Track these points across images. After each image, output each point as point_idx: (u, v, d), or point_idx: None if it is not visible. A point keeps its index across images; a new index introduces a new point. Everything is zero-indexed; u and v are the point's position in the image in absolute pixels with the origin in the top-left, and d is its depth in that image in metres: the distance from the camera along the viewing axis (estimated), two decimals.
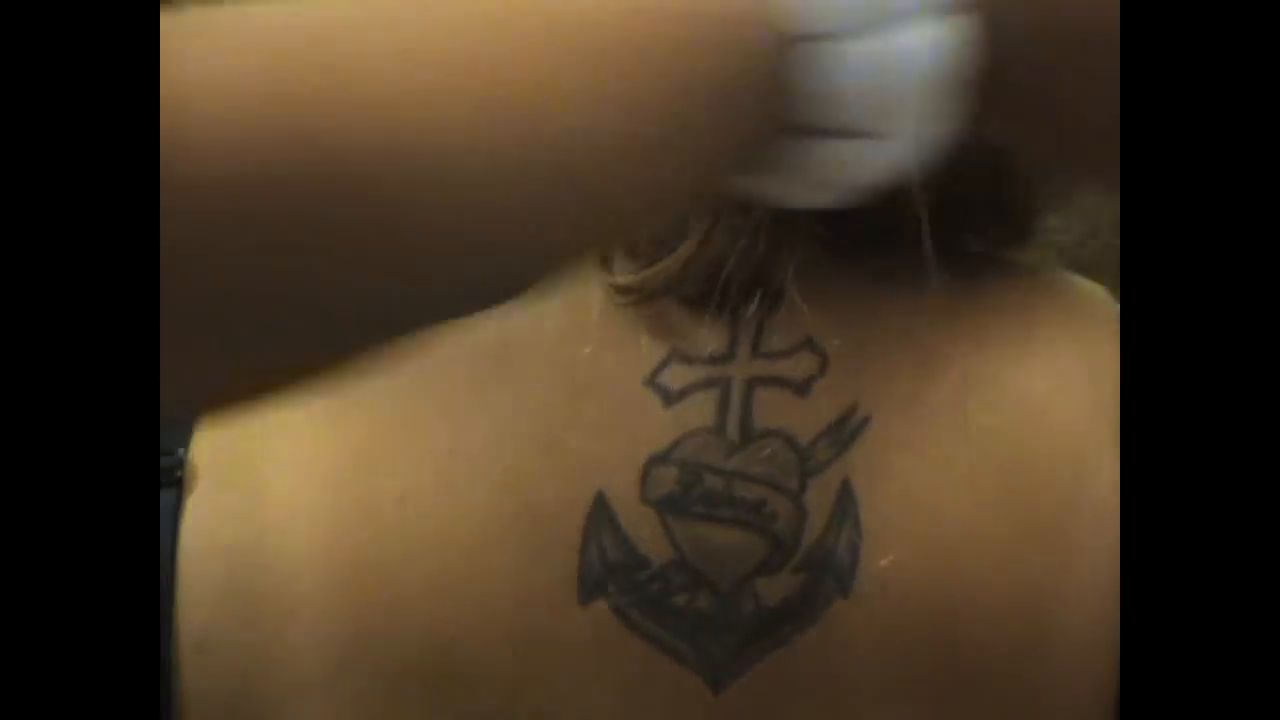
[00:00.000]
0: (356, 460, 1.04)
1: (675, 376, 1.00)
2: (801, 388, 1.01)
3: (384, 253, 0.74)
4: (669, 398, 1.01)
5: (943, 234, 1.01)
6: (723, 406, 1.03)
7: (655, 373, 1.00)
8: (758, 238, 0.99)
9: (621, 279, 1.00)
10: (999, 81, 0.91)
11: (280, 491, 1.05)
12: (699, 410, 1.01)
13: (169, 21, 0.75)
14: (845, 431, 1.03)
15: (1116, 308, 1.10)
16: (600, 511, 1.03)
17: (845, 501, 1.01)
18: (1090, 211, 1.36)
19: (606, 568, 1.01)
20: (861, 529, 0.99)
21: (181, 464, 1.05)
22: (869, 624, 0.99)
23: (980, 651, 0.99)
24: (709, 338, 1.01)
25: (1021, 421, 1.04)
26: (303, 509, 1.04)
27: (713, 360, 1.02)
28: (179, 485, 1.04)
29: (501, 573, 1.01)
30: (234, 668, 1.03)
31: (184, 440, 1.04)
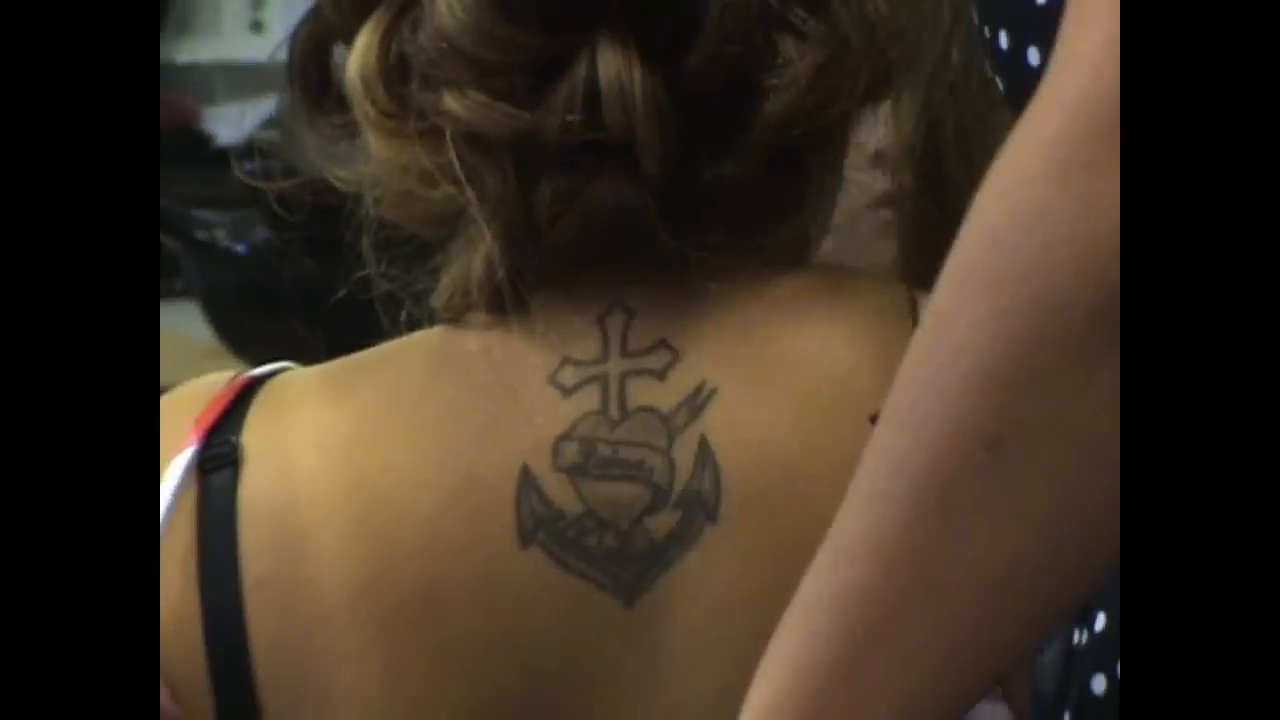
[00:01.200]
0: (353, 442, 1.27)
1: (567, 376, 1.23)
2: (660, 375, 1.22)
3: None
4: (565, 391, 1.22)
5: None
6: (604, 394, 1.24)
7: (554, 374, 1.22)
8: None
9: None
10: None
11: (304, 467, 1.26)
12: (588, 399, 1.23)
13: None
14: (698, 402, 1.22)
15: (907, 296, 1.31)
16: (526, 479, 1.22)
17: (704, 453, 1.21)
18: None
19: (536, 521, 1.21)
20: (720, 472, 1.20)
21: (236, 448, 1.27)
22: (734, 544, 1.21)
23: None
24: (589, 347, 1.23)
25: (832, 386, 1.24)
26: (321, 480, 1.26)
27: (594, 362, 1.24)
28: (235, 464, 1.26)
29: (461, 527, 1.23)
30: (280, 600, 1.24)
31: (237, 430, 1.27)
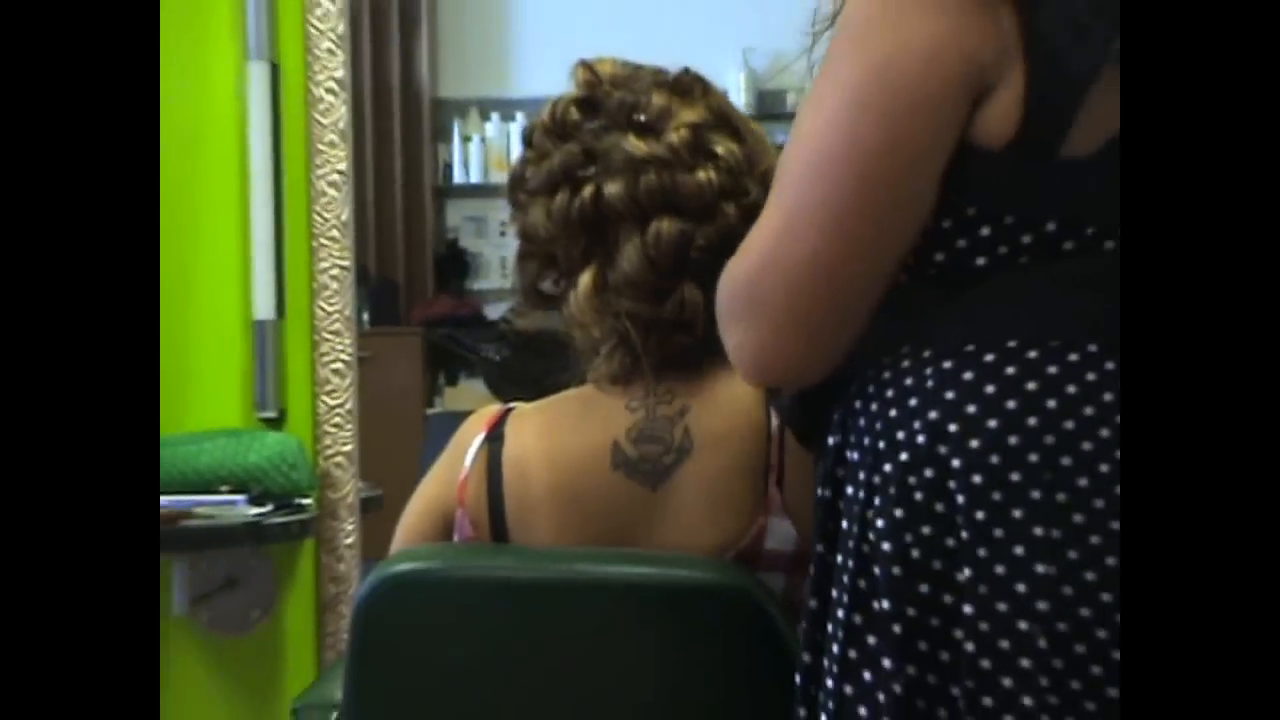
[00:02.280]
0: (545, 431, 1.94)
1: (633, 405, 1.90)
2: (669, 402, 1.90)
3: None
4: (632, 411, 1.90)
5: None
6: (647, 413, 1.90)
7: (626, 404, 1.90)
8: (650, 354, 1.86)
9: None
10: None
11: (526, 441, 1.94)
12: (639, 415, 1.90)
13: None
14: (683, 413, 1.89)
15: None
16: (616, 445, 1.89)
17: (685, 433, 1.89)
18: None
19: (617, 461, 1.88)
20: (691, 440, 1.87)
21: (502, 434, 1.94)
22: (697, 465, 1.86)
23: (737, 481, 1.86)
24: (640, 396, 1.90)
25: (736, 405, 1.91)
26: (532, 447, 1.93)
27: (641, 404, 1.90)
28: (501, 440, 1.93)
29: (588, 465, 1.90)
30: (516, 493, 1.91)
31: (501, 426, 1.95)
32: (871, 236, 1.48)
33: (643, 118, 1.87)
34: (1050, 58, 1.42)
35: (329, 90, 2.97)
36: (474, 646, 1.84)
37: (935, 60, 1.43)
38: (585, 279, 1.86)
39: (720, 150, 1.87)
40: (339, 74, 2.97)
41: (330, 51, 2.96)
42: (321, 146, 2.96)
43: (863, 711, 1.46)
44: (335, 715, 1.97)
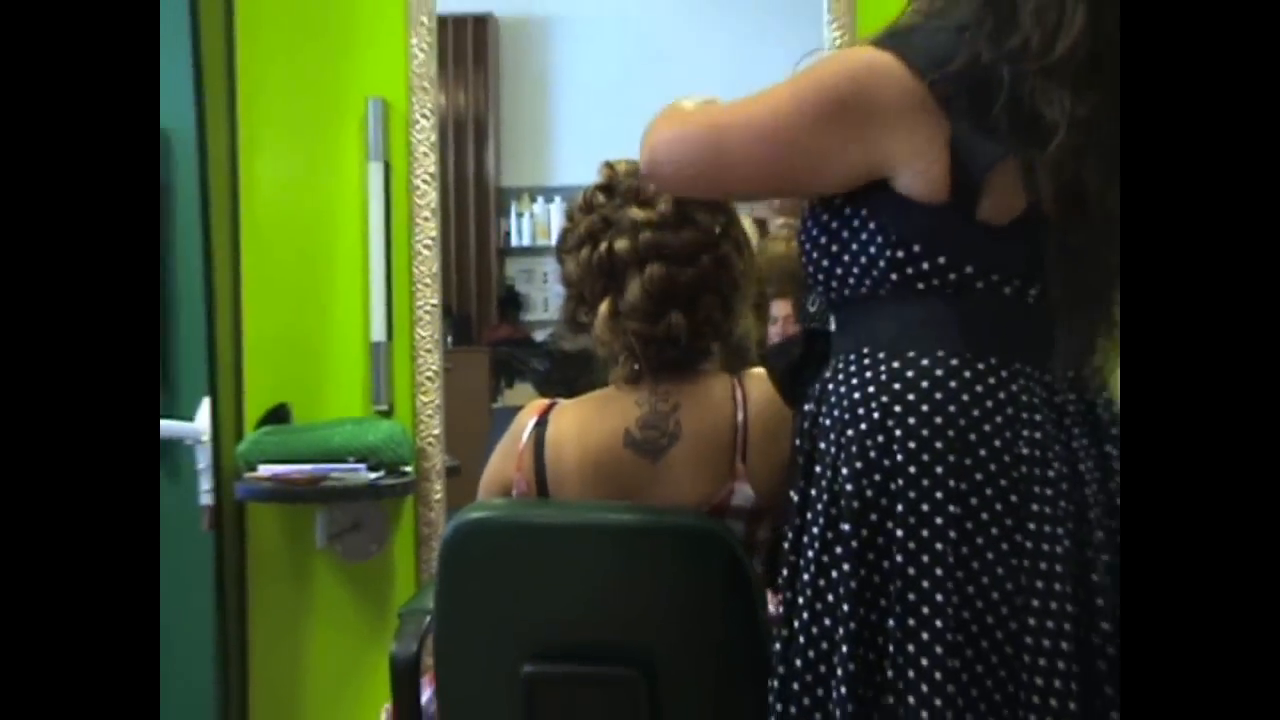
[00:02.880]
0: (577, 419, 1.90)
1: (640, 402, 1.86)
2: (666, 400, 1.87)
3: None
4: (639, 406, 1.86)
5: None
6: (651, 408, 1.87)
7: (635, 400, 1.87)
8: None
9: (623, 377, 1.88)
10: None
11: (564, 426, 1.89)
12: (644, 408, 1.86)
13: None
14: (675, 408, 1.86)
15: (734, 378, 1.88)
16: (627, 430, 1.86)
17: (675, 423, 1.86)
18: None
19: (627, 442, 1.86)
20: (682, 426, 1.85)
21: (547, 420, 1.90)
22: (684, 447, 1.84)
23: (712, 457, 1.84)
24: (645, 395, 1.87)
25: (716, 403, 1.87)
26: (566, 431, 1.89)
27: (646, 401, 1.87)
28: (545, 425, 1.90)
29: (606, 444, 1.86)
30: (554, 465, 1.87)
31: (547, 414, 1.90)
32: (756, 165, 1.54)
33: (643, 196, 1.87)
34: (964, 151, 1.44)
35: (424, 180, 2.94)
36: (522, 570, 1.83)
37: (859, 114, 1.48)
38: (603, 308, 1.86)
39: (699, 217, 1.87)
40: (431, 169, 2.94)
41: (425, 154, 2.94)
42: (419, 221, 2.94)
43: (830, 598, 1.47)
44: (428, 618, 1.97)
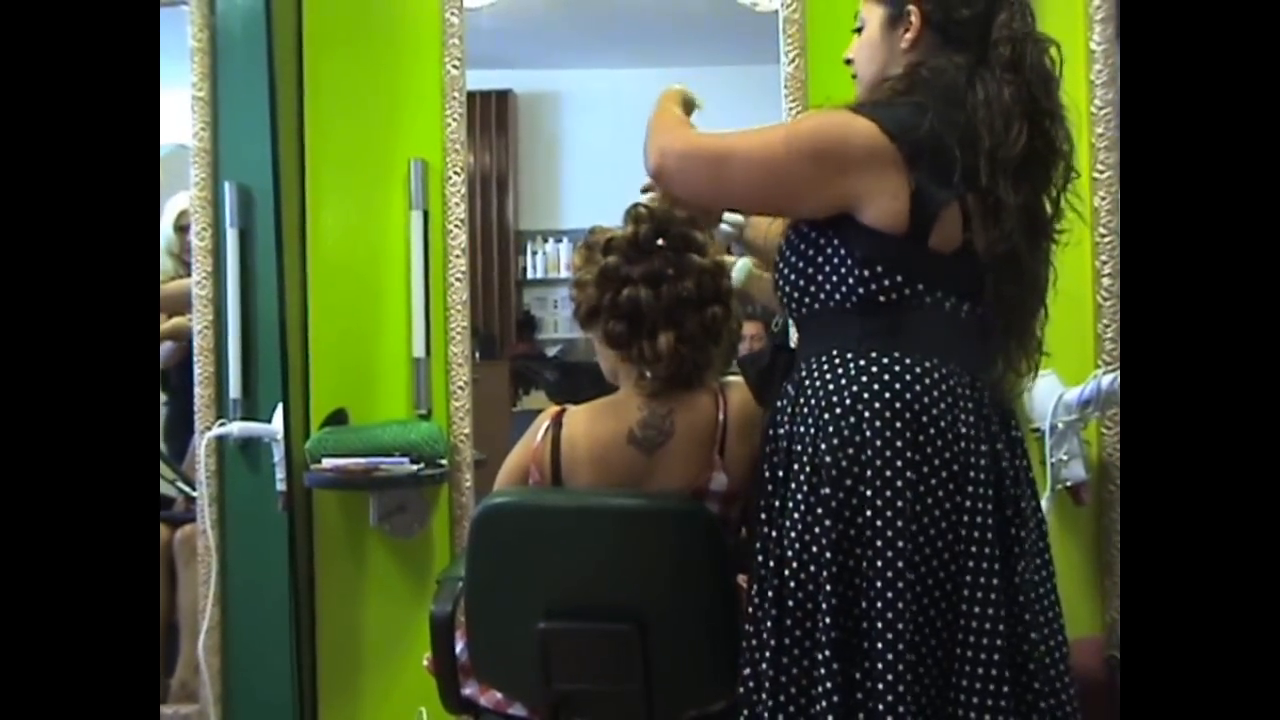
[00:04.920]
0: (587, 421, 1.88)
1: (641, 405, 1.84)
2: (664, 405, 1.83)
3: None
4: (640, 408, 1.84)
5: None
6: (650, 411, 1.83)
7: (638, 404, 1.84)
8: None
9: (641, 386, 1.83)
10: None
11: (575, 427, 1.87)
12: (644, 415, 1.83)
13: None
14: (670, 413, 1.83)
15: (717, 387, 1.83)
16: (630, 429, 1.84)
17: (672, 425, 1.82)
18: None
19: (630, 439, 1.83)
20: (675, 426, 1.81)
21: (562, 423, 1.86)
22: (675, 444, 1.80)
23: (696, 452, 1.81)
24: (646, 401, 1.84)
25: (703, 411, 1.84)
26: (578, 430, 1.86)
27: (646, 406, 1.83)
28: (560, 425, 1.86)
29: (613, 441, 1.83)
30: (569, 454, 1.84)
31: (561, 417, 1.87)
32: (751, 188, 1.59)
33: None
34: (923, 194, 1.50)
35: (456, 225, 2.91)
36: (537, 545, 1.81)
37: (837, 161, 1.54)
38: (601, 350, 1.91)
39: (699, 267, 1.85)
40: (462, 216, 2.91)
41: (457, 204, 2.91)
42: (451, 258, 2.91)
43: (814, 549, 1.52)
44: (460, 583, 1.94)
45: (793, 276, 1.62)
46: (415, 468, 2.74)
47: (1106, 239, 2.70)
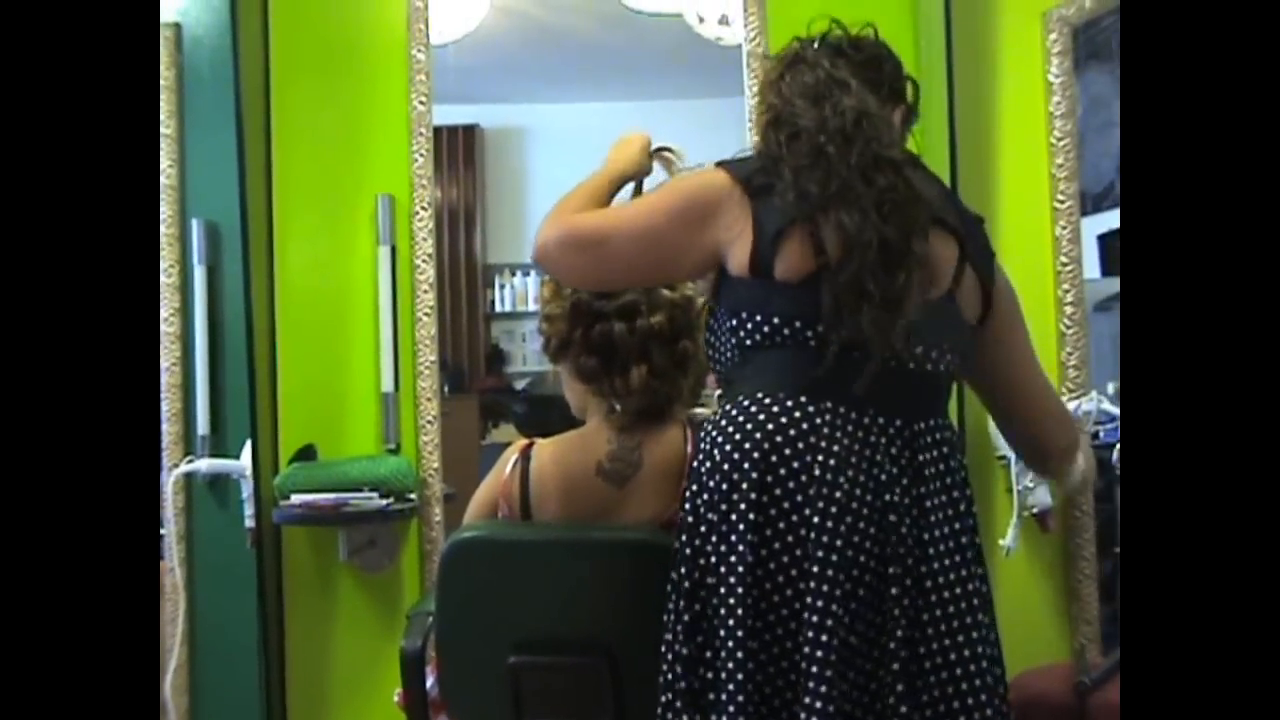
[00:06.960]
0: (555, 453, 1.86)
1: (610, 440, 1.84)
2: (631, 437, 1.84)
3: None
4: (609, 442, 1.84)
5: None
6: (620, 444, 1.83)
7: (607, 439, 1.83)
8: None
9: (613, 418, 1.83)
10: None
11: (543, 460, 1.86)
12: (613, 444, 1.83)
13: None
14: (639, 446, 1.83)
15: (684, 419, 1.85)
16: (599, 462, 1.83)
17: (638, 456, 1.82)
18: None
19: (598, 471, 1.83)
20: (643, 459, 1.82)
21: (530, 455, 1.84)
22: (644, 477, 1.80)
23: (664, 484, 1.81)
24: (615, 434, 1.83)
25: (672, 448, 1.84)
26: (547, 462, 1.86)
27: (615, 439, 1.83)
28: (529, 459, 1.85)
29: (582, 473, 1.83)
30: (537, 488, 1.83)
31: (529, 450, 1.85)
32: (631, 260, 1.60)
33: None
34: (762, 227, 1.52)
35: (423, 260, 2.91)
36: (507, 579, 1.81)
37: (699, 213, 1.57)
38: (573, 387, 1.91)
39: (669, 305, 1.87)
40: (430, 251, 2.90)
41: (424, 238, 2.91)
42: (419, 293, 2.90)
43: (677, 601, 1.56)
44: (431, 618, 1.93)
45: (708, 350, 1.68)
46: (384, 503, 2.72)
47: (1069, 267, 2.71)
